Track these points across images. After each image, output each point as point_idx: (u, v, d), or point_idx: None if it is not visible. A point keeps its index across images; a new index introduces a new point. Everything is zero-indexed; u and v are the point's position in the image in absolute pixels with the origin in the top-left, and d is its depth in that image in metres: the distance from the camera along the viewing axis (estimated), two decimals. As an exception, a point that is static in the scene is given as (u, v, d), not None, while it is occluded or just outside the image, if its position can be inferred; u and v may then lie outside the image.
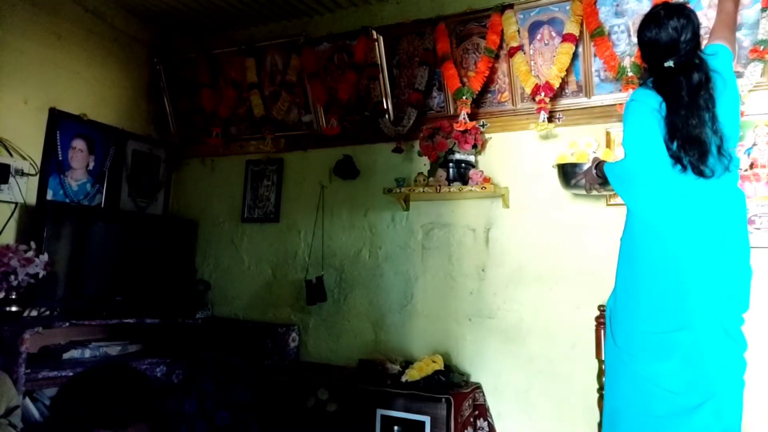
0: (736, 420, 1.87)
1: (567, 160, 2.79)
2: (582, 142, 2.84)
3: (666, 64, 1.93)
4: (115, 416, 1.38)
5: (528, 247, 3.00)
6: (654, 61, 1.98)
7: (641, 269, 1.94)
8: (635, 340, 1.93)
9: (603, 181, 2.31)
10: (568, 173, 2.72)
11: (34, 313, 3.13)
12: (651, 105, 1.92)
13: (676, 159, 1.86)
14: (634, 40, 2.51)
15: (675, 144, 1.86)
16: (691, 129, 1.85)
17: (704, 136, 1.86)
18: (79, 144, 3.53)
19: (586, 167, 2.57)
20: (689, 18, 1.96)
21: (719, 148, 1.88)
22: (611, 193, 2.71)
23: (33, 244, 2.95)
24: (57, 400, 1.47)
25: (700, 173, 1.85)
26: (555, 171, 2.83)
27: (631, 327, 1.95)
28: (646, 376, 1.88)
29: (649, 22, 1.97)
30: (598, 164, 2.24)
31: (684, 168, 1.86)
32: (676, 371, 1.84)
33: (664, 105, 1.90)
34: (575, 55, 2.87)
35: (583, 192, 2.64)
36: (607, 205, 2.84)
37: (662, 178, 1.89)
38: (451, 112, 3.19)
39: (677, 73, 1.91)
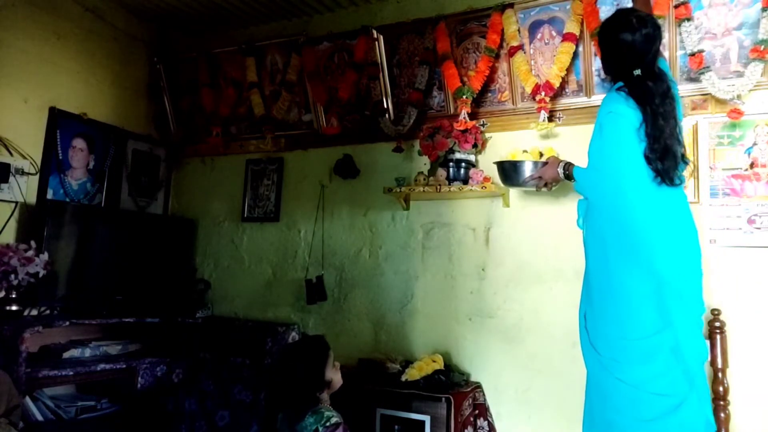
0: (709, 406, 1.97)
1: (518, 158, 2.84)
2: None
3: (635, 73, 1.96)
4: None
5: (528, 246, 3.00)
6: (623, 67, 1.99)
7: (620, 277, 1.96)
8: (618, 347, 1.96)
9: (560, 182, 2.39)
10: (506, 170, 2.73)
11: (34, 312, 3.13)
12: (630, 119, 1.94)
13: (657, 171, 1.92)
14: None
15: (655, 156, 1.91)
16: (667, 140, 1.91)
17: (675, 146, 1.93)
18: (79, 143, 3.53)
19: (527, 166, 2.63)
20: (659, 28, 2.00)
21: (683, 156, 1.97)
22: (555, 191, 2.72)
23: (33, 244, 2.95)
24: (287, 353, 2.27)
25: (672, 182, 1.93)
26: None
27: (613, 334, 1.97)
28: (632, 382, 1.92)
29: (623, 27, 1.97)
30: (567, 165, 2.26)
31: (662, 179, 1.92)
32: (660, 373, 1.89)
33: (640, 116, 1.93)
34: (575, 55, 2.87)
35: (530, 188, 2.67)
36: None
37: (647, 189, 1.93)
38: (452, 112, 3.19)
39: (646, 81, 1.95)
